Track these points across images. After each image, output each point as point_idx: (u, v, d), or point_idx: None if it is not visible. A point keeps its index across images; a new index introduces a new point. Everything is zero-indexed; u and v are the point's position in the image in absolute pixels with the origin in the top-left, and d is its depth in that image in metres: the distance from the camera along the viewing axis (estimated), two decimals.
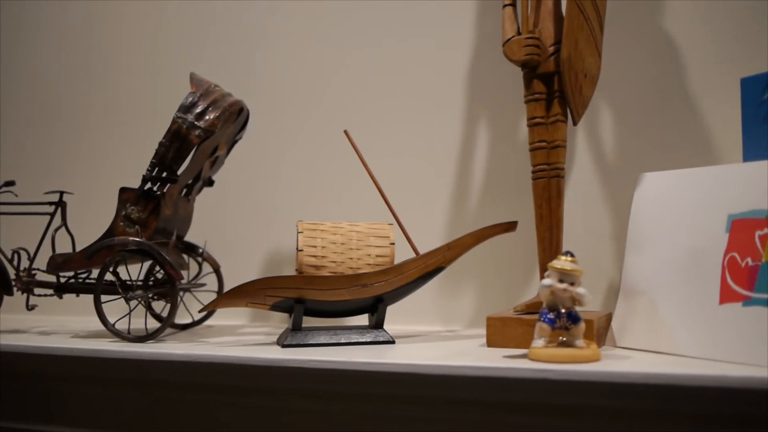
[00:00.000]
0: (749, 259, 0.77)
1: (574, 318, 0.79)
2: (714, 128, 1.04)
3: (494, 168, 1.15)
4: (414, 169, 1.19)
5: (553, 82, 0.95)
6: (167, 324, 0.99)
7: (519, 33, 0.96)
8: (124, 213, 1.03)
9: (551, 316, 0.79)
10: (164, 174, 1.03)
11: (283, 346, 0.92)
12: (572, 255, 0.80)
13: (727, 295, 0.78)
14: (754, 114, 0.91)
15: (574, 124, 0.96)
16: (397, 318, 1.10)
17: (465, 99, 1.17)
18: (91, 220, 1.13)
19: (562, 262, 0.79)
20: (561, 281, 0.78)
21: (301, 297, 0.93)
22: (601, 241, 1.08)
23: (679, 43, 1.07)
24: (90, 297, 1.01)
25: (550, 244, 0.95)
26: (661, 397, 0.69)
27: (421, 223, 1.12)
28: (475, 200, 1.16)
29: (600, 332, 0.89)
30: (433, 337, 1.02)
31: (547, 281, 0.78)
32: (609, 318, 0.93)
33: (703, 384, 0.67)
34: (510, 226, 0.99)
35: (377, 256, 0.97)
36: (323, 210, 1.20)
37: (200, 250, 1.16)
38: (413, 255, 0.97)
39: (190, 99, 1.02)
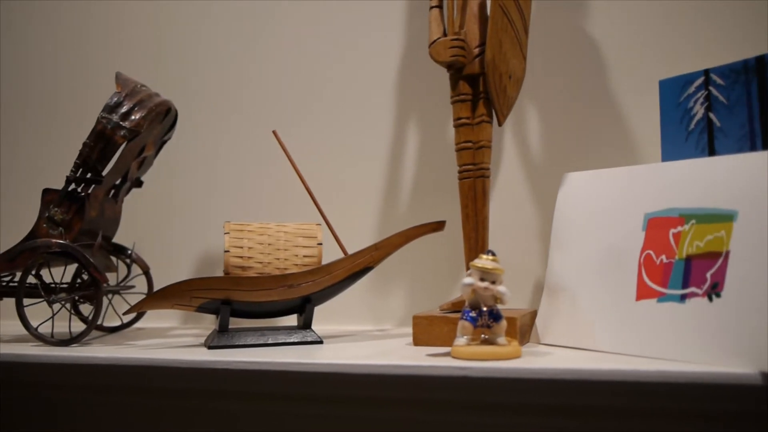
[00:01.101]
0: (664, 257, 0.79)
1: (495, 316, 0.80)
2: (636, 128, 1.07)
3: (423, 168, 1.16)
4: (343, 169, 1.19)
5: (478, 84, 0.96)
6: (91, 327, 0.97)
7: (445, 35, 0.96)
8: (47, 215, 1.01)
9: (473, 314, 0.80)
10: (89, 175, 1.01)
11: (210, 347, 0.91)
12: (494, 254, 0.81)
13: (643, 292, 0.80)
14: (671, 115, 0.93)
15: (499, 124, 0.97)
16: (328, 318, 1.10)
17: (394, 99, 1.18)
18: (16, 223, 1.11)
19: (483, 261, 0.80)
20: (482, 280, 0.79)
21: (228, 298, 0.92)
22: (528, 239, 1.10)
23: (601, 45, 1.09)
24: (13, 300, 0.99)
25: (476, 243, 0.96)
26: (576, 392, 0.70)
27: (351, 224, 1.13)
28: (405, 200, 1.16)
29: (524, 329, 0.90)
30: (363, 336, 1.03)
31: (467, 280, 0.79)
32: (533, 315, 0.94)
33: (615, 379, 0.69)
34: (438, 226, 1.00)
35: (305, 256, 0.97)
36: (254, 211, 1.20)
37: (129, 252, 1.14)
38: (342, 255, 0.97)
39: (115, 99, 1.01)
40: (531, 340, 0.93)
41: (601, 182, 0.90)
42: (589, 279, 0.86)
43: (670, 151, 0.94)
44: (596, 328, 0.83)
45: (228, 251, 0.95)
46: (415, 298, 1.15)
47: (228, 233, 0.95)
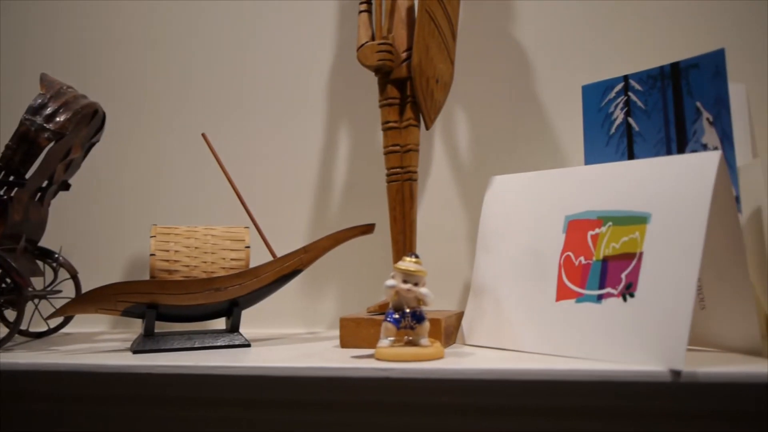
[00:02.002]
0: (582, 258, 0.81)
1: (418, 317, 0.80)
2: (562, 132, 1.09)
3: (354, 171, 1.17)
4: (274, 172, 1.19)
5: (406, 88, 0.97)
6: (13, 333, 0.95)
7: (373, 39, 0.97)
8: None
9: (396, 316, 0.80)
10: (11, 178, 0.99)
11: (135, 352, 0.90)
12: (417, 256, 0.82)
13: (562, 293, 0.81)
14: (593, 119, 0.96)
15: (427, 128, 0.98)
16: (259, 321, 1.11)
17: (325, 102, 1.18)
18: None
19: (406, 264, 0.81)
20: (405, 282, 0.80)
21: (154, 302, 0.91)
22: (457, 242, 1.11)
23: (528, 50, 1.11)
24: None
25: (403, 245, 0.97)
26: (493, 392, 0.71)
27: (281, 227, 1.13)
28: (336, 203, 1.17)
29: (449, 331, 0.91)
30: (293, 339, 1.03)
31: (390, 282, 0.80)
32: (460, 317, 0.95)
33: (528, 378, 0.70)
34: (367, 229, 1.00)
35: (232, 259, 0.96)
36: (184, 214, 1.19)
37: (56, 256, 1.13)
38: (271, 258, 0.97)
39: (40, 101, 0.99)
40: (457, 341, 0.94)
41: (526, 185, 0.92)
42: (513, 280, 0.88)
43: (593, 155, 0.96)
44: (518, 328, 0.85)
45: (154, 255, 0.94)
46: (346, 301, 1.15)
47: (154, 236, 0.95)
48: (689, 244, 0.71)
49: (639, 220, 0.76)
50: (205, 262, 0.95)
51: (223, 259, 0.96)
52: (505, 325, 0.86)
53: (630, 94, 0.92)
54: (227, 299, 0.94)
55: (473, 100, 1.13)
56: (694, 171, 0.73)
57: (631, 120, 0.91)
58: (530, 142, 1.10)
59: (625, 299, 0.75)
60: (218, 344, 0.93)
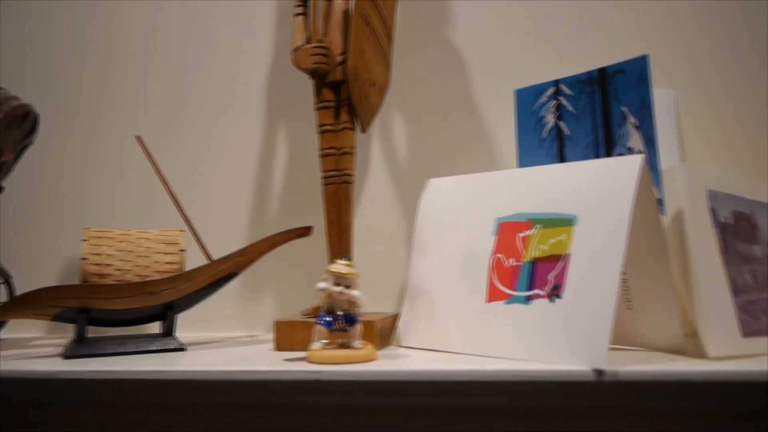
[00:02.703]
0: (512, 260, 0.82)
1: (350, 320, 0.81)
2: (497, 136, 1.10)
3: (292, 174, 1.17)
4: (211, 175, 1.19)
5: (341, 91, 0.97)
6: None
7: (309, 42, 0.97)
8: None
9: (328, 318, 0.81)
10: None
11: (66, 357, 0.89)
12: (349, 259, 0.82)
13: (493, 294, 0.82)
14: (526, 123, 0.97)
15: (363, 131, 0.99)
16: (198, 324, 1.10)
17: (263, 105, 1.18)
18: None
19: (338, 266, 0.81)
20: (337, 284, 0.80)
21: (86, 306, 0.90)
22: (395, 244, 1.12)
23: (464, 54, 1.12)
24: None
25: (339, 248, 0.97)
26: (423, 393, 0.72)
27: (219, 230, 1.13)
28: (275, 206, 1.17)
29: (385, 333, 0.92)
30: (230, 342, 1.02)
31: (321, 284, 0.80)
32: (395, 319, 0.96)
33: (453, 378, 0.71)
34: (305, 232, 1.00)
35: (166, 263, 0.96)
36: (119, 217, 1.18)
37: None
38: (207, 262, 0.97)
39: None
40: (393, 343, 0.94)
41: (460, 188, 0.93)
42: (446, 282, 0.88)
43: (526, 158, 0.97)
44: (451, 330, 0.85)
45: (85, 258, 0.93)
46: (285, 303, 1.15)
47: (86, 240, 0.94)
48: (612, 246, 0.72)
49: (566, 222, 0.78)
50: (138, 266, 0.94)
51: (157, 262, 0.95)
52: (438, 326, 0.87)
53: (561, 98, 0.93)
54: (161, 303, 0.93)
55: (410, 104, 1.14)
56: (617, 174, 0.75)
57: (561, 124, 0.93)
58: (467, 144, 1.11)
59: (552, 300, 0.76)
60: (152, 348, 0.92)
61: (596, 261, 0.73)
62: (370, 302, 1.09)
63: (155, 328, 1.01)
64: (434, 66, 1.14)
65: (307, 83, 1.00)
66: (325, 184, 0.98)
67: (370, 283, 1.07)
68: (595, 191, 0.76)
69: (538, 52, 1.11)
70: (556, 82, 0.94)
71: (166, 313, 0.94)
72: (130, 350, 0.91)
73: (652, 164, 0.81)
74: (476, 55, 1.13)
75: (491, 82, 1.11)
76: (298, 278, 1.14)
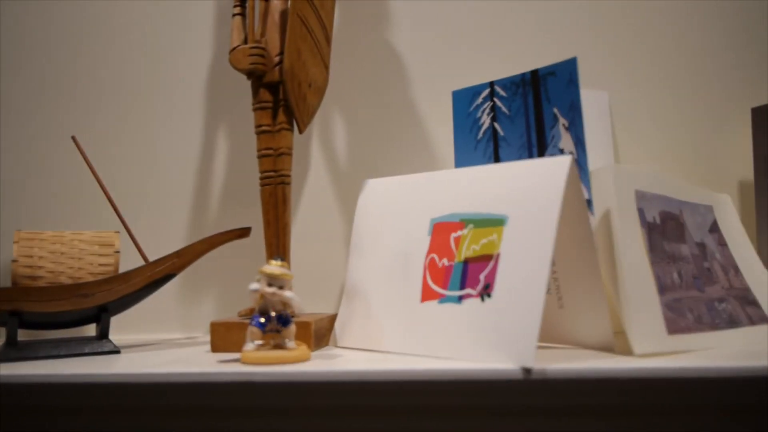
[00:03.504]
0: (446, 260, 0.83)
1: (284, 320, 0.81)
2: (436, 136, 1.11)
3: (232, 174, 1.16)
4: (149, 175, 1.17)
5: (278, 91, 0.97)
6: None
7: (246, 42, 0.97)
8: None
9: (261, 319, 0.80)
10: None
11: None
12: (282, 259, 0.82)
13: (427, 294, 0.83)
14: (462, 124, 0.98)
15: (300, 132, 0.99)
16: (138, 327, 1.09)
17: (202, 105, 1.17)
18: None
19: (271, 267, 0.81)
20: (270, 285, 0.80)
21: (17, 309, 0.89)
22: (334, 245, 1.12)
23: (403, 54, 1.13)
24: None
25: (276, 249, 0.97)
26: (354, 393, 0.72)
27: (158, 231, 1.12)
28: (214, 206, 1.16)
29: (321, 333, 0.92)
30: (168, 344, 1.01)
31: (253, 285, 0.80)
32: (333, 319, 0.96)
33: (386, 378, 0.71)
34: (243, 233, 1.00)
35: (101, 265, 0.94)
36: (54, 219, 1.16)
37: None
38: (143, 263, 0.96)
39: None
40: (330, 344, 0.94)
41: (396, 188, 0.93)
42: (382, 282, 0.89)
43: (462, 159, 0.98)
44: (386, 330, 0.86)
45: (16, 261, 0.91)
46: (225, 305, 1.14)
47: (17, 242, 0.92)
48: (540, 246, 0.73)
49: (497, 222, 0.79)
50: (71, 268, 0.93)
51: (91, 264, 0.94)
52: (374, 326, 0.88)
53: (495, 99, 0.94)
54: (95, 305, 0.92)
55: (350, 104, 1.14)
56: (546, 175, 0.76)
57: (496, 125, 0.94)
58: (406, 145, 1.12)
59: (483, 300, 0.77)
60: (85, 351, 0.91)
61: (525, 260, 0.74)
62: (309, 303, 1.09)
63: (91, 330, 1.00)
64: (374, 67, 1.14)
65: (247, 84, 1.00)
66: (263, 185, 0.98)
67: (309, 283, 1.08)
68: (524, 192, 0.77)
69: (476, 53, 1.12)
70: (491, 84, 0.95)
71: (101, 316, 0.93)
72: (62, 353, 0.90)
73: (581, 165, 0.82)
74: (416, 56, 1.13)
75: (431, 83, 1.12)
76: (239, 279, 1.13)
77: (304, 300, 1.06)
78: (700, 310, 0.83)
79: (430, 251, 0.85)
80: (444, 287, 0.81)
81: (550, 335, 0.86)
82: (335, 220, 1.13)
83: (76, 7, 1.20)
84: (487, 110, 0.95)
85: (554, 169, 0.76)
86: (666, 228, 0.86)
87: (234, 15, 0.99)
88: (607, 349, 0.80)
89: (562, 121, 0.86)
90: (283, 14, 0.98)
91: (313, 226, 1.13)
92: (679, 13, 1.11)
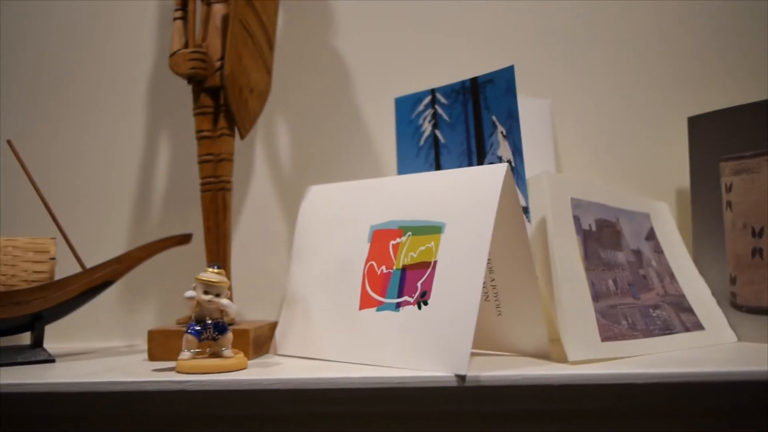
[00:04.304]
0: (384, 267, 0.82)
1: (221, 328, 0.80)
2: (381, 143, 1.11)
3: (175, 180, 1.14)
4: (89, 180, 1.15)
5: (219, 97, 0.96)
6: None
7: (187, 46, 0.96)
8: None
9: (198, 327, 0.80)
10: None
11: None
12: (219, 267, 0.81)
13: (365, 301, 0.83)
14: (405, 131, 0.98)
15: (242, 138, 0.98)
16: (77, 335, 1.07)
17: (144, 109, 1.16)
18: None
19: (208, 275, 0.80)
20: (206, 293, 0.79)
21: None
22: (277, 251, 1.11)
23: (347, 60, 1.13)
24: None
25: (217, 256, 0.96)
26: (290, 400, 0.72)
27: (99, 238, 1.10)
28: (156, 212, 1.14)
29: (261, 341, 0.91)
30: (105, 353, 1.00)
31: (189, 293, 0.79)
32: (273, 327, 0.95)
33: (320, 386, 0.71)
34: (184, 239, 0.99)
35: (35, 272, 0.93)
36: None
37: None
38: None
39: None
40: (270, 352, 0.94)
41: (338, 195, 0.93)
42: (322, 290, 0.88)
43: (405, 166, 0.98)
44: (325, 337, 0.86)
45: None
46: (167, 312, 1.13)
47: None
48: (476, 253, 0.73)
49: (434, 229, 0.79)
50: (4, 275, 0.91)
51: (25, 271, 0.92)
52: (313, 334, 0.87)
53: (437, 107, 0.95)
54: (29, 313, 0.90)
55: (294, 110, 1.13)
56: (482, 183, 0.76)
57: (438, 132, 0.94)
58: (350, 152, 1.12)
59: (419, 307, 0.77)
60: (18, 360, 0.89)
61: (461, 268, 0.74)
62: (251, 310, 1.09)
63: (26, 339, 0.98)
64: (318, 72, 1.14)
65: (189, 88, 0.99)
66: (203, 191, 0.97)
67: (251, 290, 1.08)
68: (461, 199, 0.78)
69: (421, 59, 1.12)
70: (432, 91, 0.95)
71: (35, 324, 0.91)
72: None
73: (518, 173, 0.83)
74: (361, 61, 1.13)
75: (375, 90, 1.12)
76: (180, 286, 1.11)
77: (246, 307, 1.06)
78: (634, 316, 0.85)
79: (369, 258, 0.85)
80: (382, 295, 0.81)
81: (489, 342, 0.87)
82: (278, 226, 1.12)
83: (12, 7, 1.18)
84: (429, 117, 0.96)
85: (490, 177, 0.76)
86: (602, 235, 0.87)
87: (175, 19, 0.98)
88: (544, 356, 0.81)
89: (500, 128, 0.86)
90: (225, 19, 0.97)
91: (256, 232, 1.12)
92: (620, 23, 1.12)
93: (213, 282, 0.80)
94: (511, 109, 0.84)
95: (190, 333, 0.79)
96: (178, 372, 0.78)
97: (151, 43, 1.16)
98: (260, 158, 1.14)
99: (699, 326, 0.91)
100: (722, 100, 0.99)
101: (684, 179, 1.02)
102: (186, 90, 0.99)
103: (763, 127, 0.89)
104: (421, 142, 0.96)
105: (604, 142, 1.11)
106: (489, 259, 0.82)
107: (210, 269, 0.81)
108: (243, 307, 1.09)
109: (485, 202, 0.75)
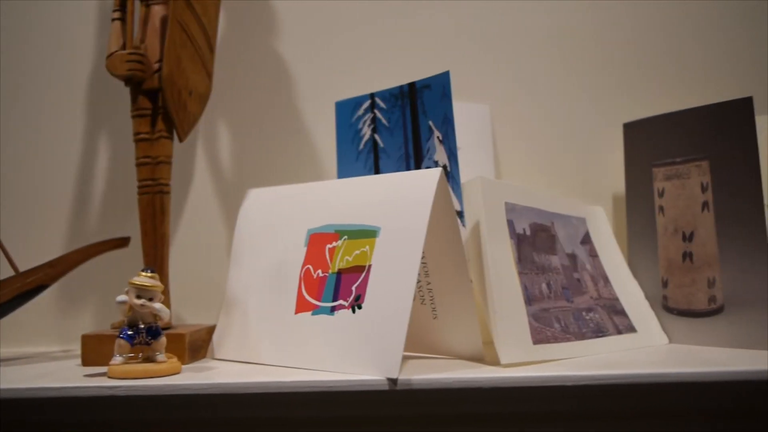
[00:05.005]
0: (320, 271, 0.83)
1: (153, 333, 0.79)
2: (322, 147, 1.11)
3: (114, 182, 1.13)
4: (26, 183, 1.13)
5: (158, 99, 0.95)
6: None
7: (125, 48, 0.95)
8: None
9: (130, 332, 0.79)
10: None
11: None
12: (152, 271, 0.81)
13: (301, 305, 0.83)
14: (345, 135, 0.98)
15: (180, 140, 0.97)
16: (13, 339, 1.06)
17: (83, 110, 1.14)
18: None
19: (141, 279, 0.79)
20: (139, 297, 0.79)
21: None
22: (217, 255, 1.10)
23: (289, 64, 1.13)
24: None
25: (154, 259, 0.95)
26: (221, 404, 0.72)
27: (33, 240, 1.09)
28: (96, 215, 1.13)
29: (198, 345, 0.91)
30: (40, 358, 0.98)
31: (121, 297, 0.79)
32: (211, 331, 0.95)
33: (253, 391, 0.71)
34: (122, 242, 0.98)
35: None
36: None
37: None
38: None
39: None
40: (207, 356, 0.93)
41: (277, 199, 0.93)
42: (259, 294, 0.88)
43: (345, 170, 0.98)
44: (261, 341, 0.85)
45: None
46: (104, 317, 1.12)
47: None
48: (409, 257, 0.74)
49: (370, 234, 0.79)
50: None
51: None
52: (250, 338, 0.87)
53: (376, 111, 0.95)
54: None
55: (235, 113, 1.13)
56: (417, 187, 0.77)
57: (377, 136, 0.95)
58: (292, 155, 1.12)
59: (354, 311, 0.77)
60: None
61: (394, 272, 0.75)
62: (191, 314, 1.08)
63: None
64: (260, 75, 1.13)
65: (128, 90, 0.98)
66: (141, 194, 0.96)
67: (191, 294, 1.07)
68: (396, 204, 0.78)
69: (360, 64, 1.13)
70: (371, 96, 0.95)
71: None
72: None
73: (454, 177, 0.84)
74: (302, 66, 1.13)
75: (317, 93, 1.12)
76: (119, 290, 1.10)
77: (186, 311, 1.06)
78: (567, 319, 0.86)
79: (306, 262, 0.85)
80: (318, 299, 0.81)
81: (425, 346, 0.87)
82: (219, 230, 1.12)
83: None
84: (368, 122, 0.96)
85: (424, 181, 0.77)
86: (536, 239, 0.88)
87: (113, 19, 0.97)
88: (478, 359, 0.82)
89: (436, 133, 0.87)
90: (164, 20, 0.96)
91: (196, 236, 1.11)
92: (558, 31, 1.14)
93: (146, 286, 0.79)
94: (447, 114, 0.85)
95: (122, 338, 0.79)
96: (110, 377, 0.77)
97: (90, 43, 1.15)
98: (201, 161, 1.13)
99: (631, 329, 0.92)
100: (658, 107, 1.01)
101: (620, 184, 1.04)
102: (126, 91, 0.98)
103: (694, 133, 0.91)
104: (361, 146, 0.97)
105: (543, 148, 1.13)
106: (425, 263, 0.82)
107: (143, 273, 0.80)
108: (182, 311, 1.08)
109: (419, 206, 0.75)
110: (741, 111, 0.86)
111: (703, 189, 0.90)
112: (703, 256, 0.90)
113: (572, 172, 1.12)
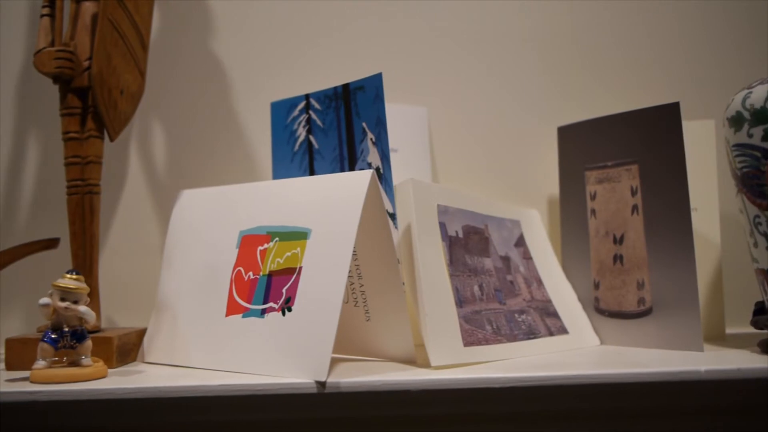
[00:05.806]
0: (251, 273, 0.82)
1: (78, 336, 0.77)
2: (258, 148, 1.10)
3: (44, 182, 1.10)
4: None
5: (88, 97, 0.93)
6: None
7: (53, 45, 0.93)
8: None
9: (53, 335, 0.77)
10: None
11: None
12: (78, 273, 0.79)
13: (232, 308, 0.82)
14: (280, 136, 0.98)
15: (111, 140, 0.95)
16: None
17: (13, 108, 1.11)
18: None
19: (65, 281, 0.78)
20: (63, 300, 0.77)
21: None
22: (150, 257, 1.08)
23: (224, 63, 1.12)
24: None
25: (83, 261, 0.93)
26: (147, 410, 0.71)
27: None
28: (24, 215, 1.10)
29: (127, 348, 0.89)
30: None
31: (44, 300, 0.77)
32: (141, 334, 0.93)
33: (177, 395, 0.70)
34: (50, 244, 0.96)
35: None
36: None
37: None
38: None
39: None
40: (137, 359, 0.91)
41: (209, 200, 0.91)
42: (190, 296, 0.87)
43: (280, 171, 0.98)
44: (191, 344, 0.84)
45: None
46: (34, 320, 1.09)
47: None
48: (339, 259, 0.74)
49: (301, 235, 0.79)
50: None
51: None
52: (180, 341, 0.86)
53: (311, 112, 0.94)
54: None
55: (169, 113, 1.11)
56: (348, 189, 0.77)
57: (312, 138, 0.94)
58: (227, 156, 1.11)
59: (284, 313, 0.76)
60: None
61: (324, 274, 0.74)
62: (122, 317, 1.06)
63: None
64: (195, 74, 1.12)
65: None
66: (69, 194, 0.93)
67: (122, 297, 1.05)
68: (327, 205, 0.78)
69: (296, 64, 1.12)
70: (306, 97, 0.95)
71: None
72: None
73: (386, 179, 0.84)
74: (237, 65, 1.12)
75: (252, 93, 1.11)
76: (47, 292, 1.08)
77: (117, 314, 1.04)
78: (499, 321, 0.86)
79: (237, 264, 0.84)
80: (248, 301, 0.80)
81: (358, 348, 0.87)
82: (152, 231, 1.10)
83: None
84: (303, 123, 0.95)
85: (355, 183, 0.76)
86: (469, 242, 0.88)
87: (42, 15, 0.94)
88: (410, 361, 0.82)
89: (370, 135, 0.87)
90: (95, 17, 0.95)
91: (128, 237, 1.09)
92: (494, 36, 1.15)
93: (70, 288, 0.77)
94: (380, 116, 0.85)
95: (45, 341, 0.77)
96: (32, 382, 0.75)
97: (19, 39, 1.12)
98: (134, 161, 1.11)
99: (563, 330, 0.93)
100: (593, 111, 1.02)
101: (556, 187, 1.05)
102: (55, 89, 0.96)
103: (625, 137, 0.93)
104: (296, 147, 0.96)
105: (480, 151, 1.13)
106: (358, 265, 0.82)
107: (68, 275, 0.78)
108: (113, 314, 1.06)
109: (349, 208, 0.75)
110: (669, 116, 0.87)
111: (633, 192, 0.91)
112: (632, 258, 0.91)
113: (509, 175, 1.13)
